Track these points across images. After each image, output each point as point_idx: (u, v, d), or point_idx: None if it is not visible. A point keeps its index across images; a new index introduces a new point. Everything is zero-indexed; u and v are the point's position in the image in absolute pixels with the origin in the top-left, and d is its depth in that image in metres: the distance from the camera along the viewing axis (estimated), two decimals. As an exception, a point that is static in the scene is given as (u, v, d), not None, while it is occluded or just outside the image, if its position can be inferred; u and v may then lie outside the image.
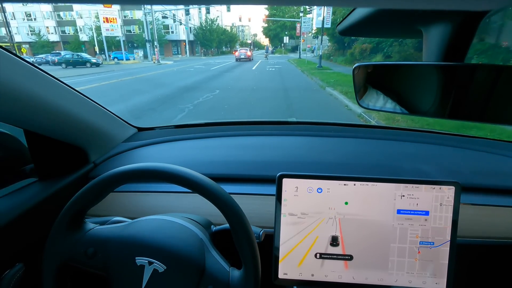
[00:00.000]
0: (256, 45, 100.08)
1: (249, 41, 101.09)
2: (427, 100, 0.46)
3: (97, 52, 31.09)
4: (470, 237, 0.74)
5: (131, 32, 41.70)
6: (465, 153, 0.98)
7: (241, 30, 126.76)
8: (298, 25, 27.80)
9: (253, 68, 18.02)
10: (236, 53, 28.00)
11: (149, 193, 0.84)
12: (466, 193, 0.78)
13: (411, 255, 0.61)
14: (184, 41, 44.65)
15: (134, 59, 29.13)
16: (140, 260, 0.52)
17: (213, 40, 49.03)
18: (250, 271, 0.51)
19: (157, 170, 0.52)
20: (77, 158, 0.87)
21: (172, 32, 44.26)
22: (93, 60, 21.70)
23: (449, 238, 0.60)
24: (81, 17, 41.35)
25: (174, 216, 0.62)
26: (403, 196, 0.60)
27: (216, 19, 50.62)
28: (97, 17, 30.09)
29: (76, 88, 0.79)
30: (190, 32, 48.80)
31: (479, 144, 1.02)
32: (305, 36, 30.33)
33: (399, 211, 0.61)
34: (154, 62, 25.42)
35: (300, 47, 28.88)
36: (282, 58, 32.48)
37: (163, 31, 41.22)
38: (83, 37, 40.45)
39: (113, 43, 36.02)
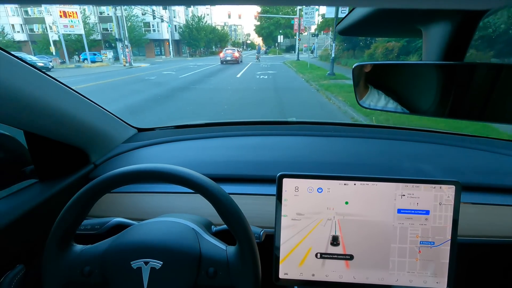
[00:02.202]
0: (250, 45, 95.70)
1: (248, 41, 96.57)
2: (427, 100, 0.46)
3: (53, 53, 26.54)
4: (471, 236, 0.74)
5: (108, 30, 36.74)
6: (465, 152, 0.97)
7: (234, 29, 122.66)
8: (295, 20, 23.61)
9: (239, 75, 13.32)
10: (221, 54, 22.60)
11: (150, 193, 0.84)
12: (466, 192, 0.78)
13: (412, 255, 0.61)
14: (168, 40, 40.14)
15: (102, 61, 24.64)
16: (136, 263, 0.52)
17: (200, 39, 44.08)
18: (244, 243, 0.52)
19: (152, 171, 0.52)
20: (77, 159, 0.87)
21: (154, 30, 39.49)
22: (40, 64, 17.21)
23: (449, 238, 0.60)
24: (50, 14, 36.50)
25: (170, 216, 0.62)
26: (403, 195, 0.60)
27: (204, 17, 45.94)
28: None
29: (75, 89, 0.79)
30: (176, 30, 44.29)
31: (479, 143, 1.01)
32: (305, 34, 26.24)
33: (399, 211, 0.61)
34: (125, 65, 21.10)
35: (298, 47, 24.68)
36: (277, 60, 27.47)
37: (143, 29, 36.70)
38: (53, 35, 35.76)
39: (87, 43, 31.44)
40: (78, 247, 0.56)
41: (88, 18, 32.01)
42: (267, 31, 53.37)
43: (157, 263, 0.52)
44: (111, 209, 0.82)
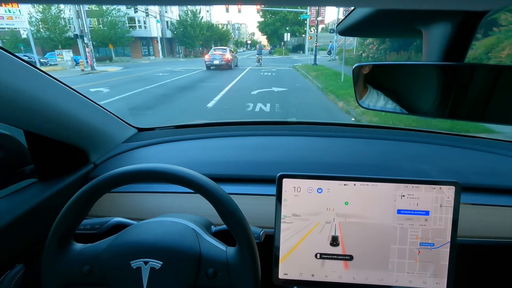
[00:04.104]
0: (254, 45, 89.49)
1: (249, 41, 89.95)
2: (427, 100, 0.47)
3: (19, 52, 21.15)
4: (471, 237, 0.73)
5: (89, 27, 31.66)
6: (465, 153, 0.97)
7: (237, 28, 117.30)
8: (312, 10, 17.61)
9: (213, 102, 6.75)
10: (206, 57, 15.81)
11: (149, 193, 0.83)
12: (466, 193, 0.77)
13: (411, 256, 0.61)
14: (156, 38, 34.46)
15: (57, 63, 19.03)
16: (136, 263, 0.52)
17: (195, 37, 38.52)
18: (244, 244, 0.51)
19: (152, 170, 0.52)
20: (77, 159, 0.86)
21: (141, 26, 33.90)
22: None
23: (449, 239, 0.60)
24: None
25: (170, 216, 0.62)
26: (403, 196, 0.60)
27: (200, 12, 40.15)
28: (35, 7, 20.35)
29: (76, 89, 0.78)
30: (168, 27, 38.64)
31: (479, 143, 1.01)
32: (313, 32, 20.46)
33: (399, 211, 0.60)
34: (83, 70, 15.65)
35: (316, 46, 16.33)
36: (284, 62, 20.76)
37: (127, 25, 31.16)
38: (24, 33, 30.39)
39: (60, 41, 26.01)
40: (78, 246, 0.55)
41: (61, 12, 26.49)
42: (271, 28, 46.67)
43: (156, 263, 0.52)
44: (111, 209, 0.81)
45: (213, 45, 42.89)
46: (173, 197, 0.81)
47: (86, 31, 16.93)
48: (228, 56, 15.34)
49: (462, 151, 0.97)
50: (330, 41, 21.51)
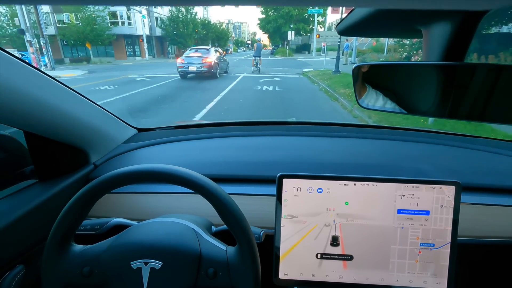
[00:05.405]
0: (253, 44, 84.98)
1: (248, 41, 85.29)
2: (427, 100, 0.47)
3: None
4: (471, 237, 0.73)
5: (63, 23, 27.38)
6: (465, 153, 0.97)
7: (238, 27, 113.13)
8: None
9: None
10: (179, 61, 10.96)
11: (150, 194, 0.83)
12: (466, 192, 0.77)
13: (412, 256, 0.61)
14: (142, 36, 30.20)
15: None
16: (136, 264, 0.52)
17: (188, 35, 34.32)
18: (244, 244, 0.52)
19: (152, 171, 0.52)
20: (77, 160, 0.86)
21: (124, 23, 29.66)
22: None
23: (449, 240, 0.60)
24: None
25: (170, 217, 0.62)
26: (404, 196, 0.60)
27: (193, 7, 35.99)
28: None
29: (76, 89, 0.78)
30: (157, 24, 34.43)
31: (479, 143, 1.00)
32: (321, 30, 16.30)
33: (399, 211, 0.60)
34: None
35: (338, 48, 11.48)
36: (289, 66, 16.15)
37: (108, 21, 26.94)
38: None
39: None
40: (78, 247, 0.55)
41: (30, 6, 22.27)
42: (274, 25, 41.86)
43: (157, 264, 0.52)
44: (111, 209, 0.81)
45: (210, 45, 38.35)
46: (173, 198, 0.81)
47: (27, 25, 12.72)
48: (211, 59, 10.66)
49: (462, 151, 0.97)
50: (347, 39, 16.98)
